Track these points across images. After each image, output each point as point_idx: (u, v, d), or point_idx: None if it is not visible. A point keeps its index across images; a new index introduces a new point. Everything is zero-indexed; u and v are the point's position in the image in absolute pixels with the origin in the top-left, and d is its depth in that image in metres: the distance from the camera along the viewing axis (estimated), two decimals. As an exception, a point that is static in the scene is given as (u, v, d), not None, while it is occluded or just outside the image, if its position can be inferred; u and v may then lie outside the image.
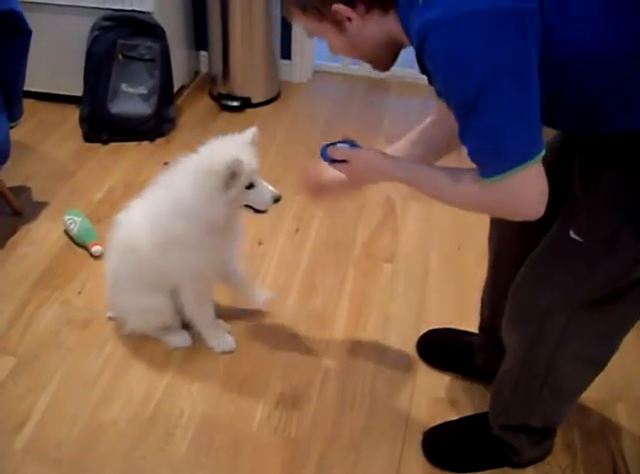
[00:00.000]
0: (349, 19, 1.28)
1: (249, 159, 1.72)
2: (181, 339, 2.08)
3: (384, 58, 1.38)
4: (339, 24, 1.29)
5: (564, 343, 1.47)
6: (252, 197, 1.77)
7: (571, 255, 1.37)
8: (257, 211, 1.81)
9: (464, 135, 1.22)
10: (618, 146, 1.27)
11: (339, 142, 1.51)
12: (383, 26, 1.29)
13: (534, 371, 1.56)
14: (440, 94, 1.25)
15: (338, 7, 1.25)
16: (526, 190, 1.21)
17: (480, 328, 1.95)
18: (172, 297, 1.97)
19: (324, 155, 1.50)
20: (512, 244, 1.68)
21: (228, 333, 2.10)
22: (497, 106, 1.14)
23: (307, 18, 1.32)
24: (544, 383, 1.56)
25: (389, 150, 1.56)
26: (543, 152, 1.18)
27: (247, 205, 1.79)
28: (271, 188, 1.79)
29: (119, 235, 1.94)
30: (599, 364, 1.56)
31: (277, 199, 1.78)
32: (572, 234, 1.33)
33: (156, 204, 1.85)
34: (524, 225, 1.30)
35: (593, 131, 1.30)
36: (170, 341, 2.08)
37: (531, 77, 1.14)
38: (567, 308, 1.43)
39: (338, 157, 1.48)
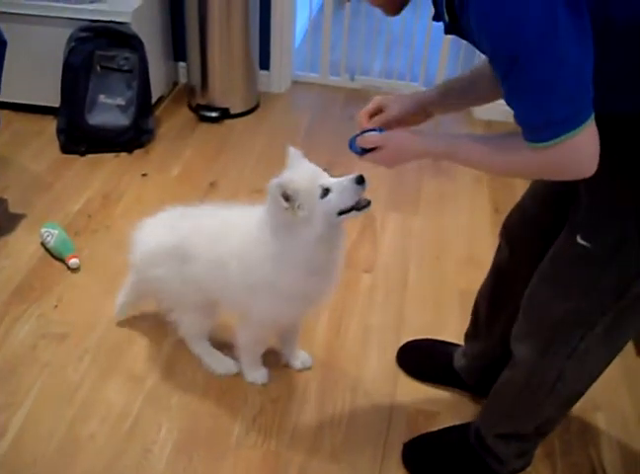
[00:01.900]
0: None
1: (300, 174, 1.56)
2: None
3: (396, 1, 1.30)
4: None
5: (575, 356, 1.46)
6: (336, 200, 1.53)
7: (578, 262, 1.35)
8: (358, 209, 1.55)
9: (513, 95, 1.15)
10: (626, 154, 1.25)
11: (365, 131, 1.41)
12: None
13: (543, 380, 1.54)
14: (482, 51, 1.18)
15: None
16: (581, 151, 1.15)
17: (467, 333, 1.95)
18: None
19: (352, 147, 1.41)
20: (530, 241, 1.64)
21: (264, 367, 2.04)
22: (549, 62, 1.07)
23: None
24: (551, 393, 1.54)
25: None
26: (593, 114, 1.13)
27: (341, 213, 1.55)
28: (348, 176, 1.54)
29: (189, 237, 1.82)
30: (596, 377, 1.57)
31: (359, 181, 1.51)
32: (579, 239, 1.32)
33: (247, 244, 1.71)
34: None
35: (626, 108, 1.22)
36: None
37: (585, 37, 1.08)
38: (582, 323, 1.41)
39: (369, 145, 1.38)
